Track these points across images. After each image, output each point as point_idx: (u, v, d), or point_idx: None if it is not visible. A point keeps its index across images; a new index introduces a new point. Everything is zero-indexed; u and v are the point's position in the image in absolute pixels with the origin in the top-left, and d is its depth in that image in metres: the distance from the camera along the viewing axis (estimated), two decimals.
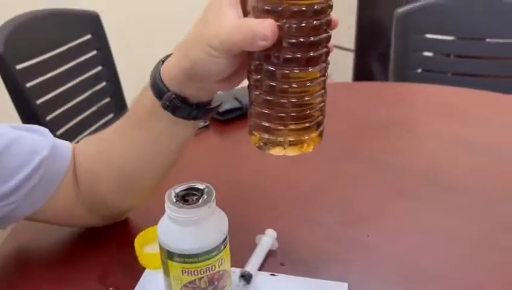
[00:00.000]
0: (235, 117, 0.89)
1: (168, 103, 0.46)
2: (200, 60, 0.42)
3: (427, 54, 1.41)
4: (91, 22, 1.31)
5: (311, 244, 0.59)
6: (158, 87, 0.46)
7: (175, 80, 0.45)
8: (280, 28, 0.38)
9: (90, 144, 0.57)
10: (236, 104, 0.89)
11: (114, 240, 0.60)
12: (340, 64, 2.32)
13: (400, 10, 1.34)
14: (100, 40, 1.33)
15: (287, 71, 0.39)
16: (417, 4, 1.37)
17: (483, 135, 0.84)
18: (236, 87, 0.49)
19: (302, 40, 0.38)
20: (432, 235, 0.61)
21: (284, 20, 0.38)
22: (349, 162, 0.77)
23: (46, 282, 0.55)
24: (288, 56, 0.39)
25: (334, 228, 0.62)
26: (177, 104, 0.46)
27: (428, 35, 1.38)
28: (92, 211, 0.57)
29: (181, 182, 0.45)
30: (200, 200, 0.43)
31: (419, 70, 1.40)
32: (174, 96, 0.46)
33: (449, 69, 1.43)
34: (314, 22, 0.38)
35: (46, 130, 0.54)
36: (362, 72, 2.45)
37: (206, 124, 0.85)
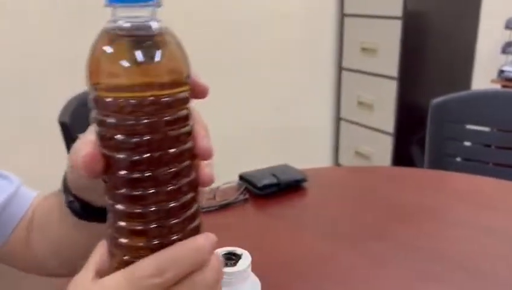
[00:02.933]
0: (272, 192, 0.95)
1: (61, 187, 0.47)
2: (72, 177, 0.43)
3: (467, 143, 1.41)
4: None
5: None
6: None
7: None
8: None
9: (43, 203, 0.57)
10: (273, 180, 0.95)
11: None
12: (380, 147, 2.36)
13: (436, 100, 1.38)
14: None
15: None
16: (453, 95, 1.40)
17: None
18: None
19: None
20: None
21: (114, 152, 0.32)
22: (379, 242, 0.80)
23: None
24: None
25: None
26: (62, 189, 0.46)
27: (467, 126, 1.38)
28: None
29: (221, 247, 0.51)
30: (238, 264, 0.48)
31: (458, 159, 1.40)
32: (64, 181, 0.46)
33: (490, 159, 1.41)
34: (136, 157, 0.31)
35: (13, 177, 0.58)
36: (401, 155, 2.47)
37: (246, 197, 0.92)
